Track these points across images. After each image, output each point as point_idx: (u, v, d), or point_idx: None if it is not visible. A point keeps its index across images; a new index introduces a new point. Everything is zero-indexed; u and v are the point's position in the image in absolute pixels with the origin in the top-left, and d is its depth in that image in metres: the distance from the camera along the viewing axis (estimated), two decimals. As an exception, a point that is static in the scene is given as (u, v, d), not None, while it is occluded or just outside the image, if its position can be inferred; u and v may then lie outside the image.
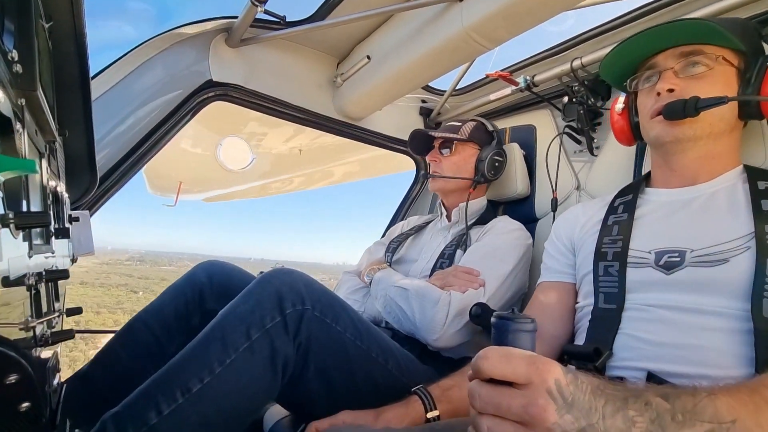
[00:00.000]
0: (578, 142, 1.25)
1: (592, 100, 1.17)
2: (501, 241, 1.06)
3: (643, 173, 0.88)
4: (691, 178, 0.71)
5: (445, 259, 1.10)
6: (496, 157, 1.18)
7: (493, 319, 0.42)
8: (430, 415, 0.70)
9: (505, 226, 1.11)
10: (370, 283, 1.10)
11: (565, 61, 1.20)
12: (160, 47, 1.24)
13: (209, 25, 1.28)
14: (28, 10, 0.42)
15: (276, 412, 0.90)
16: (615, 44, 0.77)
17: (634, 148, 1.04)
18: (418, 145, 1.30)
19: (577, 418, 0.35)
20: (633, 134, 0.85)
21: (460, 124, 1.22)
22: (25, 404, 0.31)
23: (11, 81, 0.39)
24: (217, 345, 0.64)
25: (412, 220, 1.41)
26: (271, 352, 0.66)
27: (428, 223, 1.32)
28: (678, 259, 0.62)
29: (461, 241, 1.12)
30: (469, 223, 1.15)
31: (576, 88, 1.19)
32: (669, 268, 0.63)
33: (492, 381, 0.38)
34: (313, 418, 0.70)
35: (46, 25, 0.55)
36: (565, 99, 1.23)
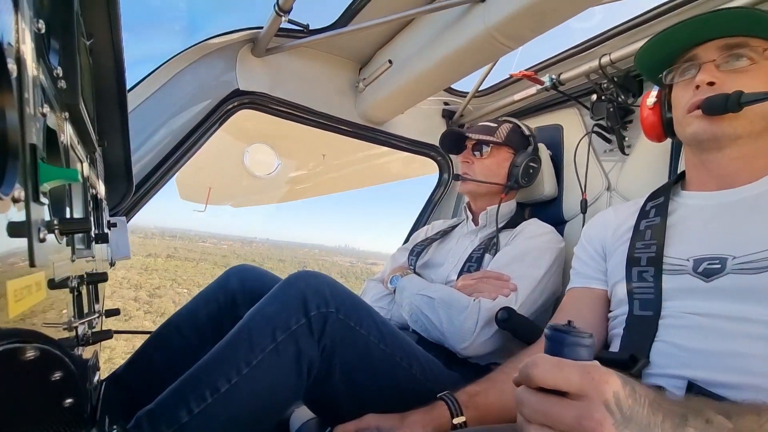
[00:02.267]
0: (608, 141, 1.21)
1: (623, 97, 1.12)
2: (532, 245, 1.03)
3: (678, 172, 0.84)
4: (730, 180, 0.66)
5: (473, 263, 1.08)
6: (531, 164, 1.15)
7: (547, 331, 0.39)
8: (456, 421, 0.69)
9: (535, 229, 1.08)
10: (394, 290, 1.09)
11: (593, 58, 1.17)
12: (190, 59, 1.29)
13: (236, 36, 1.32)
14: (71, 28, 0.44)
15: (302, 414, 0.91)
16: (647, 38, 0.74)
17: (668, 146, 1.00)
18: (449, 145, 1.26)
19: None
20: (664, 130, 0.81)
21: (495, 125, 1.17)
22: (69, 400, 0.33)
23: (56, 96, 0.42)
24: (244, 346, 0.66)
25: (437, 225, 1.39)
26: (296, 353, 0.67)
27: (454, 227, 1.30)
28: (718, 266, 0.58)
29: (490, 245, 1.09)
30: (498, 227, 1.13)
31: (605, 85, 1.15)
32: (708, 275, 0.59)
33: (542, 390, 0.36)
34: (339, 421, 0.70)
35: (87, 42, 0.59)
36: (594, 97, 1.19)
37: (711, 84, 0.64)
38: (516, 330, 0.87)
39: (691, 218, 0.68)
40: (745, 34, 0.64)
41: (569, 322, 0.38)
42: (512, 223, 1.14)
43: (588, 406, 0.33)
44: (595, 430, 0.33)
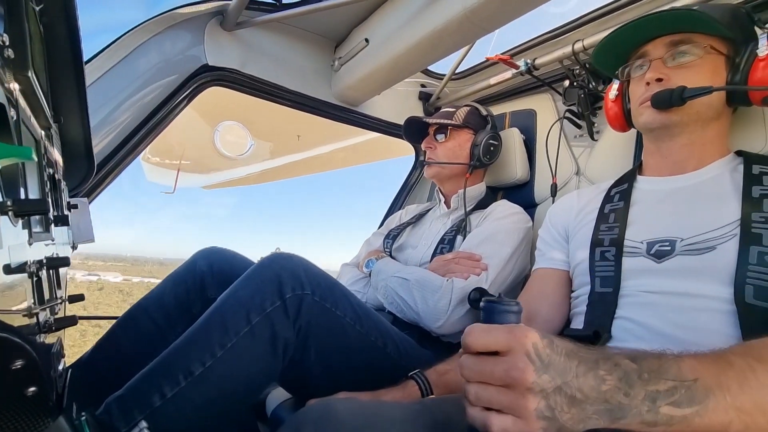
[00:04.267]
0: (579, 126, 1.24)
1: (593, 83, 1.15)
2: (501, 225, 1.06)
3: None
4: (681, 166, 0.72)
5: (446, 244, 1.10)
6: (491, 141, 1.18)
7: (481, 303, 0.44)
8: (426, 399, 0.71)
9: (504, 210, 1.11)
10: (370, 273, 1.11)
11: (566, 43, 1.18)
12: (153, 31, 1.21)
13: (203, 7, 1.25)
14: (17, -8, 0.40)
15: (278, 395, 0.91)
16: (618, 26, 0.76)
17: (634, 133, 1.04)
18: (413, 133, 1.30)
19: (553, 377, 0.37)
20: (626, 121, 0.86)
21: (454, 110, 1.22)
22: (32, 389, 0.32)
23: (3, 66, 0.38)
24: (218, 329, 0.65)
25: (411, 209, 1.40)
26: (271, 335, 0.67)
27: (427, 211, 1.32)
28: (668, 248, 0.64)
29: (461, 227, 1.12)
30: (468, 209, 1.15)
31: (577, 71, 1.18)
32: (660, 257, 0.64)
33: (479, 354, 0.41)
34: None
35: (37, 8, 0.54)
36: (566, 83, 1.22)
37: (659, 80, 0.69)
38: (487, 309, 0.90)
39: (646, 202, 0.73)
40: (689, 31, 0.68)
41: (500, 294, 0.44)
42: (482, 204, 1.18)
43: (513, 358, 0.38)
44: (519, 377, 0.37)
